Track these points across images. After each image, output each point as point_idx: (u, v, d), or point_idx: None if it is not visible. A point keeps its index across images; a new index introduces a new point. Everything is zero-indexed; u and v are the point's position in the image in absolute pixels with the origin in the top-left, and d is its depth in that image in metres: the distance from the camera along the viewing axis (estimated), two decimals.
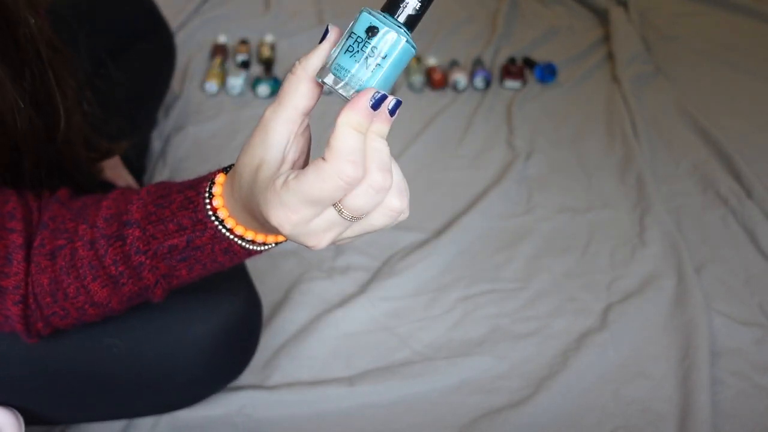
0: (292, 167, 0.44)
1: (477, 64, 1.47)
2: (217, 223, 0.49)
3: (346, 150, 0.38)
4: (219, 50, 1.45)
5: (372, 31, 0.39)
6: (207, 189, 0.49)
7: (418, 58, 1.48)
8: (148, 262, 0.52)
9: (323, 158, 0.39)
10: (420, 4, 0.40)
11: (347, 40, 0.40)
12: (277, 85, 1.37)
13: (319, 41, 0.42)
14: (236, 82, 1.35)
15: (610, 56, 1.56)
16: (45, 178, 0.62)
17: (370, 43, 0.40)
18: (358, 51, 0.40)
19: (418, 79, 1.41)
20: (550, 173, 1.22)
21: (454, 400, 0.84)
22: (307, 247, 0.43)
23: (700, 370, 0.85)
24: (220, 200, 0.48)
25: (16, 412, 0.67)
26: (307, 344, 0.89)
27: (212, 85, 1.35)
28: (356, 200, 0.40)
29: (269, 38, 1.49)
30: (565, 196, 1.17)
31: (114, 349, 0.66)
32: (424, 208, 1.13)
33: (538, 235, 1.09)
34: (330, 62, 0.41)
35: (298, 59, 0.42)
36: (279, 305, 0.94)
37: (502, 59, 1.51)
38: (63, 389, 0.69)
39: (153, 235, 0.51)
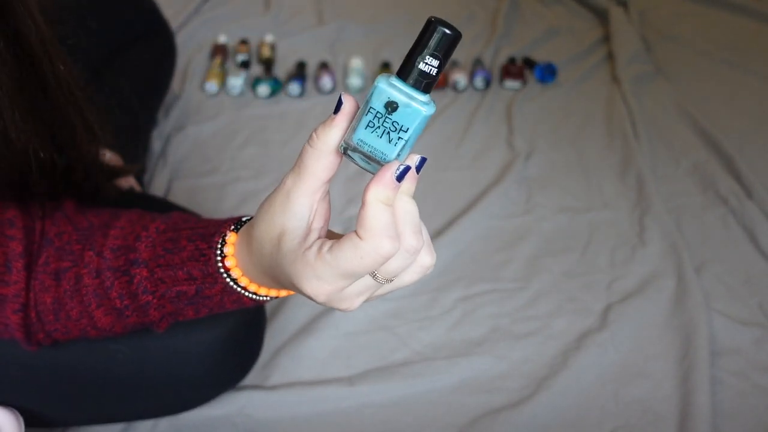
0: (319, 236, 0.43)
1: (477, 64, 1.47)
2: (228, 279, 0.49)
3: (380, 227, 0.39)
4: (219, 50, 1.45)
5: (391, 106, 0.39)
6: (219, 245, 0.49)
7: None
8: (155, 302, 0.53)
9: (358, 235, 0.39)
10: (437, 67, 0.39)
11: (366, 114, 0.39)
12: (277, 86, 1.37)
13: (334, 111, 0.41)
14: (236, 82, 1.35)
15: (610, 56, 1.56)
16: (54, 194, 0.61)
17: (391, 119, 0.39)
18: (379, 126, 0.39)
19: None
20: (550, 173, 1.22)
21: (454, 400, 0.84)
22: (339, 310, 0.44)
23: (700, 370, 0.85)
24: (233, 260, 0.48)
25: (17, 412, 0.67)
26: (307, 344, 0.89)
27: (212, 85, 1.35)
28: (392, 266, 0.41)
29: (269, 38, 1.49)
30: (565, 196, 1.17)
31: (119, 354, 0.66)
32: (424, 208, 1.12)
33: (538, 235, 1.09)
34: (351, 135, 0.40)
35: (315, 130, 0.41)
36: (279, 305, 0.94)
37: (502, 59, 1.51)
38: (65, 392, 0.69)
39: (161, 279, 0.51)
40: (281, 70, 1.44)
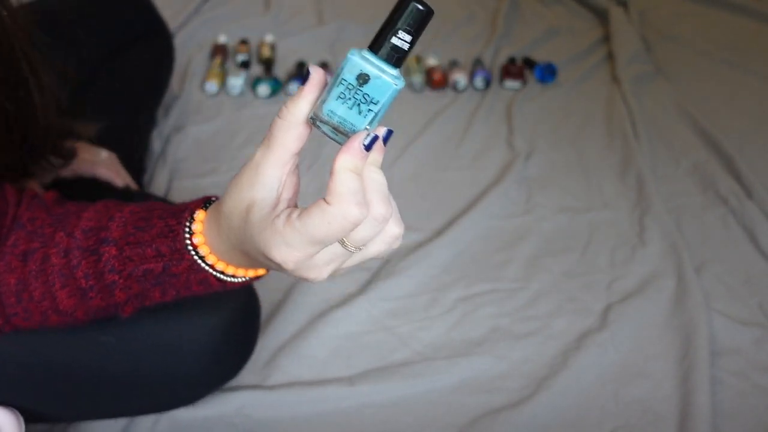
0: (287, 206, 0.44)
1: (477, 64, 1.47)
2: (196, 257, 0.49)
3: (348, 193, 0.40)
4: (219, 50, 1.45)
5: (363, 78, 0.39)
6: (188, 221, 0.49)
7: (418, 58, 1.48)
8: (121, 281, 0.52)
9: (326, 201, 0.40)
10: (410, 42, 0.40)
11: (338, 86, 0.40)
12: (277, 86, 1.37)
13: (302, 83, 0.41)
14: (236, 82, 1.35)
15: (610, 56, 1.56)
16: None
17: (362, 91, 0.40)
18: (350, 98, 0.40)
19: (418, 79, 1.41)
20: (550, 173, 1.22)
21: (454, 400, 0.84)
22: (307, 280, 0.44)
23: (700, 370, 0.85)
24: (201, 237, 0.48)
25: (16, 412, 0.67)
26: (307, 344, 0.89)
27: (212, 85, 1.35)
28: (360, 233, 0.41)
29: (269, 38, 1.49)
30: (565, 196, 1.17)
31: (111, 347, 0.66)
32: (424, 208, 1.13)
33: (538, 235, 1.09)
34: (322, 107, 0.41)
35: (285, 103, 0.42)
36: (279, 305, 0.94)
37: (502, 59, 1.51)
38: (58, 387, 0.68)
39: (129, 257, 0.51)
40: (281, 70, 1.44)
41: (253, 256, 0.45)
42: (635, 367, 0.88)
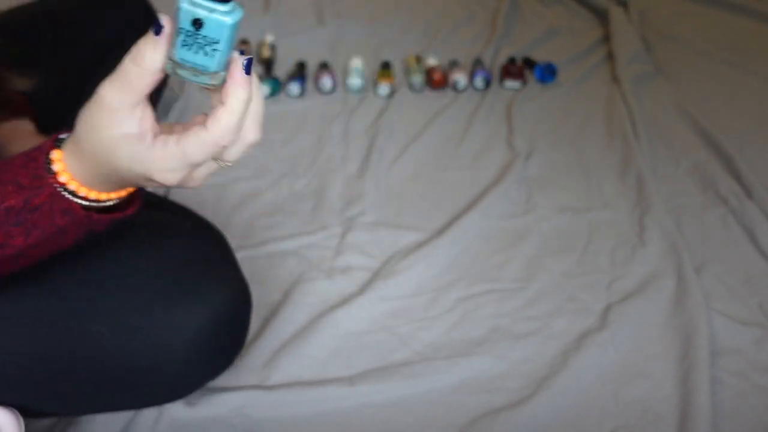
0: (153, 133, 0.47)
1: (477, 64, 1.47)
2: (56, 184, 0.50)
3: (230, 125, 0.45)
4: None
5: (197, 23, 0.42)
6: (47, 151, 0.50)
7: (418, 58, 1.48)
8: None
9: (206, 127, 0.45)
10: None
11: (179, 36, 0.42)
12: (277, 85, 1.37)
13: (154, 32, 0.44)
14: None
15: (610, 56, 1.56)
16: None
17: (200, 34, 0.42)
18: (193, 44, 0.42)
19: (417, 79, 1.41)
20: (550, 173, 1.22)
21: (454, 400, 0.84)
22: (186, 188, 0.49)
23: (700, 370, 0.85)
24: (60, 164, 0.49)
25: (16, 412, 0.67)
26: (307, 344, 0.89)
27: None
28: (233, 154, 0.48)
29: (269, 38, 1.49)
30: (565, 196, 1.17)
31: (99, 337, 0.65)
32: (424, 208, 1.13)
33: (538, 235, 1.09)
34: (173, 56, 0.43)
35: (138, 48, 0.44)
36: (279, 305, 0.94)
37: (502, 59, 1.51)
38: (46, 379, 0.68)
39: None
40: (281, 70, 1.44)
41: (127, 181, 0.49)
42: (635, 367, 0.88)
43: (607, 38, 1.62)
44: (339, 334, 0.91)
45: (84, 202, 0.51)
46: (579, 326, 0.93)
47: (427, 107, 1.37)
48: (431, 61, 1.47)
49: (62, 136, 0.51)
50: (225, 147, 0.46)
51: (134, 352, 0.67)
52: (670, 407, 0.83)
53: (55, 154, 0.50)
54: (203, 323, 0.68)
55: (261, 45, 1.47)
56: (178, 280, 0.67)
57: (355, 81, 1.39)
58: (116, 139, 0.46)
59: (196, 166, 0.47)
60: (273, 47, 1.47)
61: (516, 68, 1.45)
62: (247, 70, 0.45)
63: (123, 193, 0.53)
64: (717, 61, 1.56)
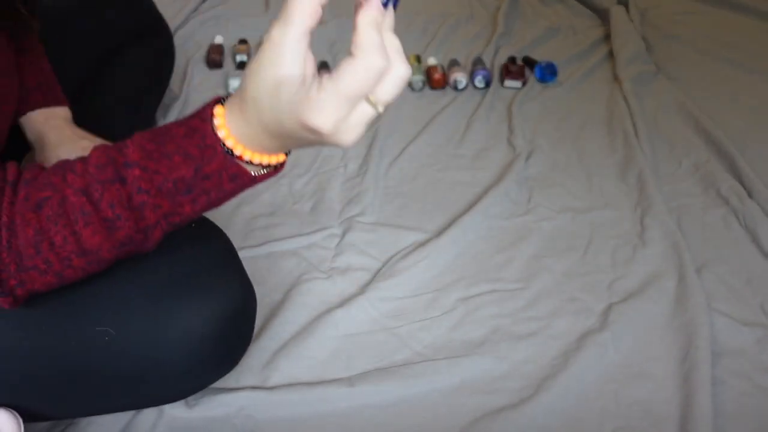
0: (313, 78, 0.47)
1: (477, 63, 1.47)
2: (226, 150, 0.50)
3: (371, 44, 0.44)
4: (215, 50, 1.44)
5: None
6: (211, 118, 0.50)
7: (417, 58, 1.47)
8: (150, 201, 0.52)
9: (353, 54, 0.44)
10: None
11: None
12: None
13: None
14: (237, 83, 1.35)
15: (611, 55, 1.56)
16: None
17: None
18: None
19: (418, 78, 1.41)
20: (551, 173, 1.22)
21: (455, 401, 0.84)
22: (339, 145, 0.48)
23: (701, 371, 0.85)
24: (225, 130, 0.50)
25: (16, 413, 0.67)
26: (307, 344, 0.89)
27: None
28: (388, 91, 0.46)
29: None
30: (565, 195, 1.17)
31: (105, 337, 0.65)
32: (424, 208, 1.13)
33: (539, 235, 1.09)
34: None
35: None
36: (279, 305, 0.94)
37: (502, 58, 1.51)
38: (51, 382, 0.68)
39: (156, 170, 0.51)
40: None
41: (287, 132, 0.48)
42: (636, 368, 0.88)
43: (607, 37, 1.62)
44: (339, 334, 0.90)
45: (248, 166, 0.52)
46: (580, 327, 0.93)
47: (427, 107, 1.37)
48: (431, 61, 1.47)
49: (221, 96, 0.51)
50: (377, 72, 0.44)
51: (141, 352, 0.67)
52: (671, 408, 0.83)
53: (219, 120, 0.50)
54: (210, 323, 0.68)
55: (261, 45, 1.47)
56: (184, 280, 0.67)
57: None
58: (281, 79, 0.45)
59: (350, 101, 0.45)
60: None
61: (516, 67, 1.45)
62: (395, 5, 0.45)
63: (282, 157, 0.53)
64: (718, 60, 1.56)
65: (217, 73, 1.42)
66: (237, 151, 0.50)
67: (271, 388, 0.83)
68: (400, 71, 0.46)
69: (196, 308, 0.67)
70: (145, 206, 0.52)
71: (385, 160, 1.22)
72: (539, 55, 1.53)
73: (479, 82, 1.41)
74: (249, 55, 1.44)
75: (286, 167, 1.20)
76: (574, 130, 1.33)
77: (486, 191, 1.15)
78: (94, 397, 0.72)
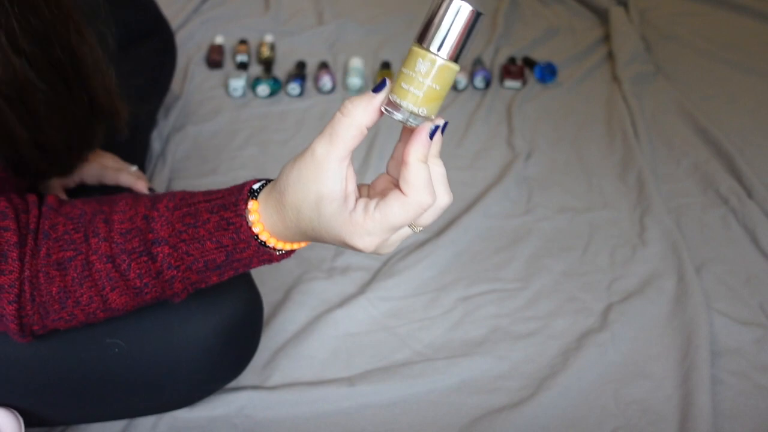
0: (354, 197, 0.49)
1: (477, 63, 1.47)
2: (259, 243, 0.52)
3: (422, 183, 0.46)
4: (215, 50, 1.44)
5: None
6: (245, 212, 0.52)
7: None
8: (179, 275, 0.54)
9: (403, 192, 0.46)
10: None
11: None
12: (276, 86, 1.37)
13: (373, 89, 0.46)
14: (238, 83, 1.35)
15: (610, 56, 1.56)
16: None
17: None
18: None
19: None
20: (551, 173, 1.22)
21: (455, 401, 0.84)
22: (379, 254, 0.51)
23: (701, 370, 0.85)
24: (260, 226, 0.52)
25: (16, 413, 0.67)
26: (307, 344, 0.89)
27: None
28: (427, 218, 0.49)
29: (269, 38, 1.49)
30: (565, 196, 1.17)
31: (115, 348, 0.66)
32: None
33: (539, 235, 1.09)
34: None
35: (349, 99, 0.46)
36: (279, 305, 0.94)
37: (502, 59, 1.51)
38: (62, 390, 0.69)
39: (187, 252, 0.53)
40: (281, 70, 1.44)
41: (322, 239, 0.50)
42: (636, 367, 0.88)
43: (607, 38, 1.62)
44: (339, 334, 0.91)
45: (278, 252, 0.54)
46: (579, 326, 0.93)
47: None
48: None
49: (255, 186, 0.53)
50: (425, 209, 0.47)
51: (150, 361, 0.68)
52: (671, 407, 0.83)
53: (254, 216, 0.52)
54: (218, 332, 0.69)
55: (260, 45, 1.47)
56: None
57: (354, 81, 1.39)
58: (322, 195, 0.47)
59: (394, 229, 0.47)
60: (273, 47, 1.47)
61: (516, 68, 1.45)
62: (443, 132, 0.46)
63: (309, 241, 0.54)
64: (717, 61, 1.56)
65: (217, 73, 1.42)
66: (270, 243, 0.53)
67: (271, 388, 0.83)
68: (442, 202, 0.48)
69: (205, 316, 0.68)
70: (175, 279, 0.55)
71: (385, 160, 1.21)
72: (539, 56, 1.53)
73: (479, 82, 1.41)
74: (249, 55, 1.44)
75: None
76: (573, 131, 1.33)
77: (485, 191, 1.15)
78: (104, 404, 0.73)
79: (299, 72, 1.41)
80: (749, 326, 0.94)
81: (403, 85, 0.44)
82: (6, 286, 0.54)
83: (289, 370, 0.86)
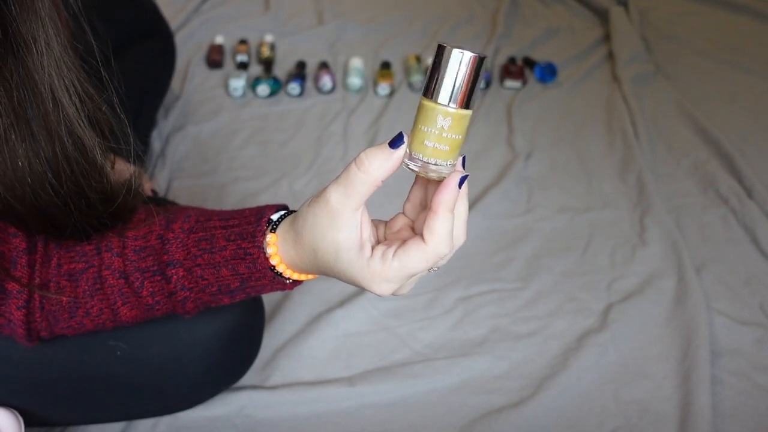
0: (371, 244, 0.49)
1: None
2: (274, 272, 0.53)
3: (446, 234, 0.45)
4: (215, 50, 1.44)
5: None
6: (263, 245, 0.51)
7: (417, 58, 1.48)
8: (192, 296, 0.55)
9: (424, 241, 0.45)
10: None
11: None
12: (276, 85, 1.37)
13: (391, 144, 0.45)
14: (238, 84, 1.35)
15: (610, 56, 1.56)
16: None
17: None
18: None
19: (417, 78, 1.41)
20: (551, 173, 1.22)
21: (454, 400, 0.84)
22: (395, 295, 0.51)
23: (701, 370, 0.85)
24: (277, 258, 0.52)
25: (16, 413, 0.67)
26: (307, 344, 0.89)
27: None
28: (444, 261, 0.48)
29: (269, 38, 1.49)
30: (565, 195, 1.17)
31: (118, 351, 0.66)
32: None
33: (538, 235, 1.09)
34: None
35: (366, 155, 0.45)
36: (279, 305, 0.94)
37: (502, 59, 1.51)
38: (65, 391, 0.69)
39: (201, 276, 0.54)
40: (281, 70, 1.44)
41: (339, 278, 0.50)
42: (635, 367, 0.88)
43: (607, 38, 1.62)
44: (339, 334, 0.91)
45: (293, 282, 0.54)
46: (579, 326, 0.93)
47: None
48: (431, 61, 1.47)
49: (273, 216, 0.53)
50: (443, 258, 0.47)
51: (152, 365, 0.68)
52: (671, 407, 0.83)
53: (272, 249, 0.52)
54: (220, 336, 0.69)
55: (261, 45, 1.47)
56: None
57: (354, 81, 1.39)
58: (338, 243, 0.47)
59: (413, 275, 0.48)
60: (273, 47, 1.47)
61: (516, 68, 1.45)
62: (460, 184, 0.46)
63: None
64: (717, 61, 1.56)
65: (217, 73, 1.42)
66: (286, 274, 0.53)
67: (272, 388, 0.83)
68: (458, 243, 0.48)
69: (208, 320, 0.68)
70: (188, 300, 0.55)
71: None
72: (539, 56, 1.53)
73: None
74: (249, 55, 1.44)
75: (287, 167, 1.20)
76: (573, 131, 1.33)
77: (486, 191, 1.15)
78: (105, 406, 0.73)
79: (299, 72, 1.41)
80: (749, 326, 0.94)
81: (427, 142, 0.44)
82: (15, 292, 0.54)
83: (289, 370, 0.86)
